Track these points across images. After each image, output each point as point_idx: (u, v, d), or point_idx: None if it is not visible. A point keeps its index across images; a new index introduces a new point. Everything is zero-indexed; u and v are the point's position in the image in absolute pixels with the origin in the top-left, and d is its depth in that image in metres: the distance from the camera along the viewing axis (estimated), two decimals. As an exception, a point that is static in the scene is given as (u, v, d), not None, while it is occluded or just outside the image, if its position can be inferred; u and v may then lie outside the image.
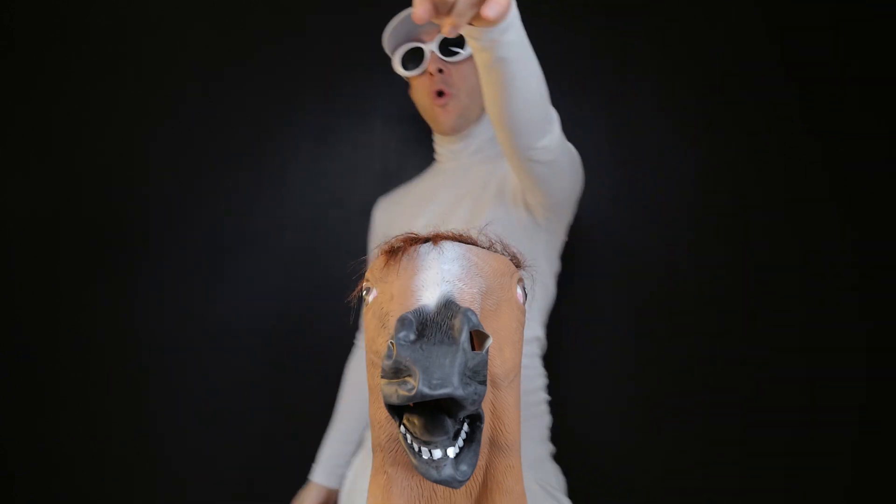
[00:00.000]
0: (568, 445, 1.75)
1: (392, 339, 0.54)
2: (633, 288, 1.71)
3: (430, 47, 1.33)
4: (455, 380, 0.51)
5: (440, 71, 1.32)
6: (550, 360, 1.72)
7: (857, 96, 1.67)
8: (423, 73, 1.34)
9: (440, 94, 1.33)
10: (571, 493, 1.42)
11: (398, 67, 1.37)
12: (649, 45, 1.72)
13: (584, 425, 1.73)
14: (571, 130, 1.74)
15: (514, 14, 0.96)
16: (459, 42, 1.30)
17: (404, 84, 1.79)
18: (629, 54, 1.72)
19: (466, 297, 0.63)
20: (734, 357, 1.71)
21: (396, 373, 0.53)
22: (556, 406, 1.74)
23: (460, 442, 0.56)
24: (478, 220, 1.25)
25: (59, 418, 1.81)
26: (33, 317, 1.81)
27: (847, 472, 1.68)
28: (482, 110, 1.35)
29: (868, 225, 1.67)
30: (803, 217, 1.68)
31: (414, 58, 1.36)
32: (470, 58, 1.30)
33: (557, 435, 1.71)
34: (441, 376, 0.51)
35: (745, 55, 1.68)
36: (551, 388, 1.76)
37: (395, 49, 1.38)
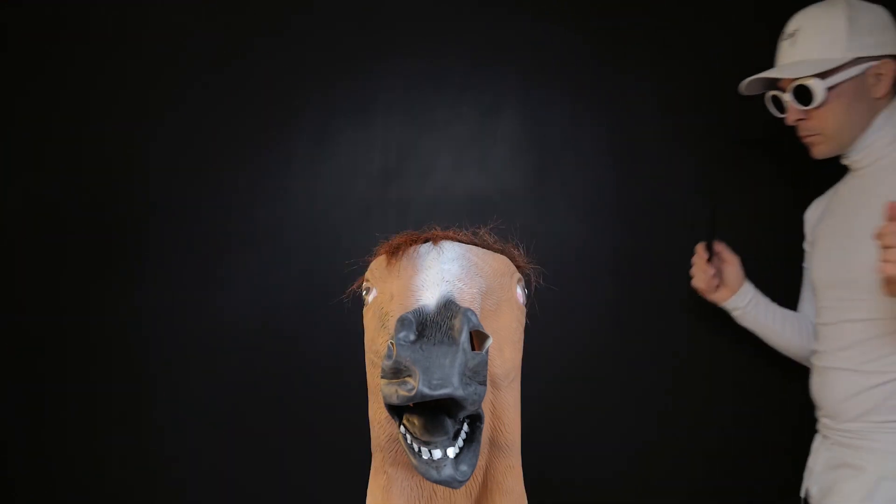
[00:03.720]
0: (565, 445, 1.75)
1: (392, 339, 0.54)
2: (633, 289, 1.71)
3: (787, 97, 1.36)
4: (455, 380, 0.51)
5: (800, 120, 1.36)
6: (547, 360, 1.72)
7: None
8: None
9: (807, 136, 1.38)
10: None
11: (772, 109, 1.43)
12: (649, 46, 1.72)
13: (583, 426, 1.73)
14: (571, 131, 1.74)
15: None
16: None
17: (404, 83, 1.78)
18: (629, 55, 1.72)
19: (466, 297, 0.62)
20: (734, 358, 1.71)
21: (396, 373, 0.53)
22: (555, 408, 1.74)
23: (460, 442, 0.56)
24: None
25: (58, 418, 1.81)
26: (33, 317, 1.81)
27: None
28: (860, 128, 1.34)
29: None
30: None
31: (777, 105, 1.42)
32: (830, 98, 1.31)
33: (559, 437, 1.72)
34: (441, 376, 0.50)
35: (746, 55, 1.68)
36: (549, 389, 1.76)
37: (761, 91, 1.45)
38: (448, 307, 0.57)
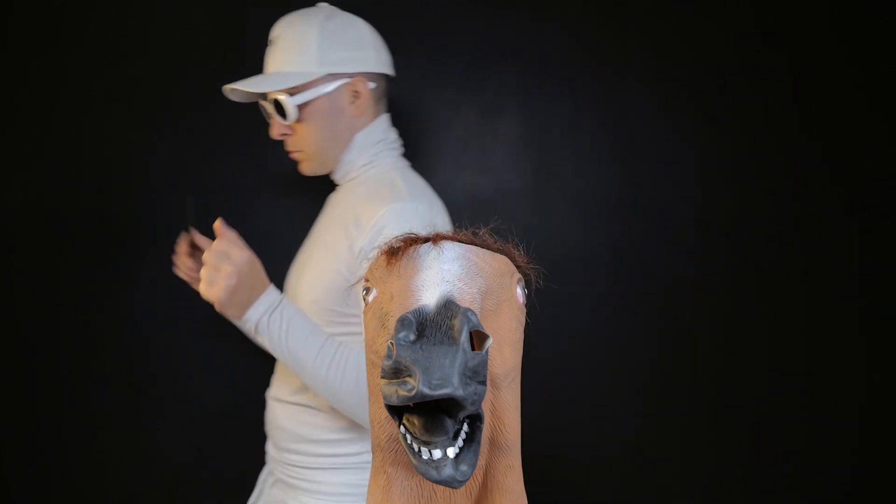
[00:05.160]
0: (568, 450, 1.75)
1: (392, 339, 0.54)
2: (633, 288, 1.71)
3: (270, 109, 1.28)
4: (455, 380, 0.51)
5: (285, 134, 1.30)
6: (548, 365, 1.72)
7: (859, 97, 1.67)
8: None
9: (292, 152, 1.33)
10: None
11: (266, 118, 1.33)
12: (649, 46, 1.72)
13: (585, 431, 1.73)
14: (571, 131, 1.74)
15: (256, 325, 1.12)
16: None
17: (404, 83, 1.78)
18: (629, 55, 1.72)
19: (466, 297, 0.63)
20: (736, 359, 1.71)
21: (396, 373, 0.53)
22: (555, 414, 1.74)
23: (460, 442, 0.56)
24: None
25: (57, 416, 1.81)
26: (31, 314, 1.81)
27: (849, 469, 1.68)
28: (342, 147, 1.29)
29: (871, 227, 1.67)
30: (806, 219, 1.68)
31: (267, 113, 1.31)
32: (305, 115, 1.25)
33: (560, 441, 1.71)
34: (441, 376, 0.51)
35: (747, 56, 1.68)
36: (550, 396, 1.76)
37: (254, 100, 1.35)
38: (448, 307, 0.57)
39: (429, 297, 0.60)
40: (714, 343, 1.70)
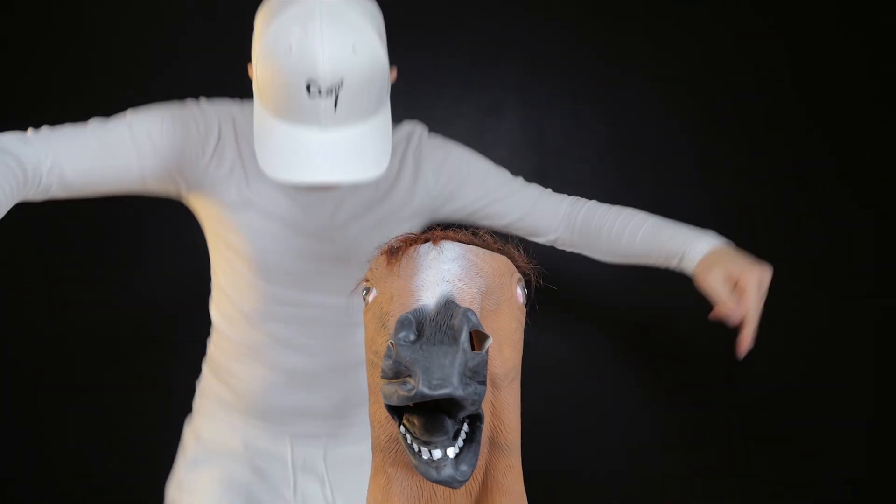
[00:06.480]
0: (572, 452, 1.75)
1: (392, 339, 0.54)
2: (633, 288, 1.71)
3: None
4: (455, 380, 0.51)
5: None
6: (546, 365, 1.72)
7: (861, 97, 1.67)
8: None
9: None
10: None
11: None
12: (650, 45, 1.72)
13: (582, 425, 1.73)
14: (571, 131, 1.74)
15: None
16: None
17: (403, 82, 1.78)
18: (629, 54, 1.72)
19: (466, 297, 0.63)
20: (733, 357, 1.71)
21: (396, 373, 0.53)
22: (559, 415, 1.74)
23: (460, 442, 0.56)
24: None
25: (55, 415, 1.81)
26: (29, 312, 1.81)
27: (861, 467, 1.68)
28: None
29: (872, 226, 1.67)
30: (807, 218, 1.68)
31: None
32: None
33: (560, 446, 1.71)
34: (441, 376, 0.51)
35: (748, 56, 1.68)
36: (548, 388, 1.76)
37: None
38: (448, 307, 0.57)
39: (429, 298, 0.60)
40: (715, 343, 1.70)
